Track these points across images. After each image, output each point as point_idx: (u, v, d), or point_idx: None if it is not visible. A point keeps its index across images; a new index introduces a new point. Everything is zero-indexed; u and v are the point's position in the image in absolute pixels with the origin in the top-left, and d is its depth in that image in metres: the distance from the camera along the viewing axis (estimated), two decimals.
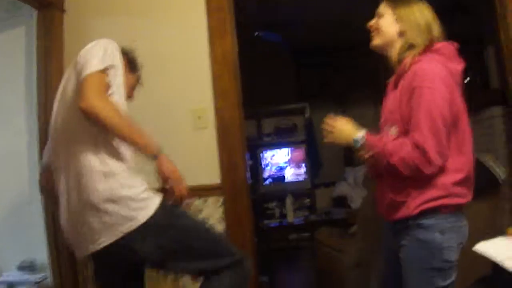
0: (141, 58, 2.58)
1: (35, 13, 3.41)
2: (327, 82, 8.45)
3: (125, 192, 2.14)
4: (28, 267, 3.28)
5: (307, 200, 7.82)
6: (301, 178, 8.07)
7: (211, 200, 3.38)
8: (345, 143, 2.29)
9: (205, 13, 3.46)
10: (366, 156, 2.21)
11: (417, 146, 2.02)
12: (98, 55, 2.12)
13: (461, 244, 2.14)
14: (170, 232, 2.21)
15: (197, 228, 2.36)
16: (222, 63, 3.41)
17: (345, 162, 8.53)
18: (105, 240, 2.14)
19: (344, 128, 2.29)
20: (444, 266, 2.10)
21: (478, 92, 5.51)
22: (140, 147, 2.18)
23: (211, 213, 3.38)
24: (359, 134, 2.23)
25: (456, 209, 2.14)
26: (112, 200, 2.12)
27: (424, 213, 2.11)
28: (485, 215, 3.05)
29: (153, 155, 2.22)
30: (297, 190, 7.74)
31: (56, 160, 2.30)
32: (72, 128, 2.19)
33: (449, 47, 2.22)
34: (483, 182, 2.79)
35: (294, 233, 7.50)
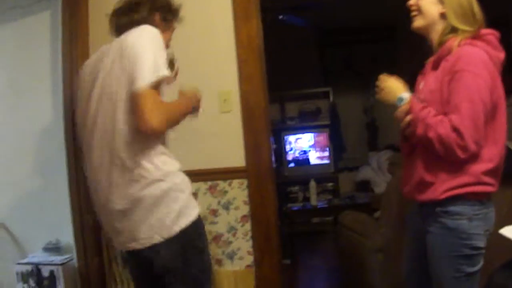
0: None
1: None
2: (351, 62, 8.41)
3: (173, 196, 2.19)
4: (54, 248, 3.30)
5: (331, 184, 7.82)
6: (324, 162, 8.07)
7: (235, 182, 3.41)
8: (392, 101, 2.27)
9: None
10: (406, 119, 2.19)
11: (455, 129, 2.01)
12: (148, 59, 2.08)
13: (488, 231, 2.15)
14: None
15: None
16: (247, 47, 3.42)
17: (369, 147, 8.52)
18: (146, 241, 2.19)
19: (393, 86, 2.28)
20: (472, 253, 2.11)
21: (505, 76, 5.43)
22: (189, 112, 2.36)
23: (236, 196, 3.41)
24: (405, 94, 2.22)
25: (484, 197, 2.15)
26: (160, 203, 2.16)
27: (452, 200, 2.11)
28: (509, 201, 3.02)
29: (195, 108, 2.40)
30: (320, 174, 7.75)
31: (93, 155, 2.29)
32: (121, 130, 2.16)
33: (493, 35, 2.20)
34: (509, 168, 2.78)
35: (317, 217, 7.52)
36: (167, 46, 2.41)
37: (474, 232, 2.10)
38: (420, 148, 2.20)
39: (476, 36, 2.16)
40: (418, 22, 2.28)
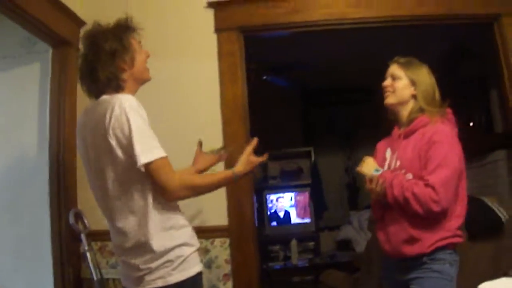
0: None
1: (50, 50, 3.49)
2: (333, 123, 8.50)
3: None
4: None
5: (312, 243, 7.80)
6: (306, 221, 8.07)
7: (218, 241, 3.42)
8: (366, 174, 2.65)
9: (217, 58, 3.56)
10: (378, 187, 2.54)
11: (428, 185, 2.39)
12: (143, 136, 2.16)
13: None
14: None
15: None
16: (232, 107, 3.50)
17: (350, 206, 8.54)
18: None
19: (371, 163, 2.69)
20: None
21: (482, 136, 5.58)
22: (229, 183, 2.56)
23: (218, 254, 3.42)
24: (379, 168, 2.64)
25: (456, 247, 2.54)
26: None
27: (436, 250, 2.46)
28: (488, 255, 3.18)
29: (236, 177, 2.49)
30: (301, 233, 7.72)
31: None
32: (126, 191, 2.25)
33: (452, 114, 2.65)
34: (488, 223, 3.06)
35: (298, 276, 7.47)
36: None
37: (453, 276, 2.48)
38: (400, 210, 2.51)
39: (443, 115, 2.62)
40: (391, 100, 2.72)
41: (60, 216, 3.28)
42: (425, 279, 2.47)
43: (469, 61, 5.49)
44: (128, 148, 2.14)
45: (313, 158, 8.34)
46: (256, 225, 3.58)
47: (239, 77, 3.56)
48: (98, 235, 3.27)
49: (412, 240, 2.49)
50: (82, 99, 3.32)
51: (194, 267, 2.29)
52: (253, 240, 3.46)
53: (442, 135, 2.51)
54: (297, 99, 8.50)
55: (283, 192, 8.13)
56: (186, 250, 2.27)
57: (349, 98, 8.38)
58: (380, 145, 2.90)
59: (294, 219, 8.08)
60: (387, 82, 2.73)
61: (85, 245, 3.11)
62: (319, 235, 8.00)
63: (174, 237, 2.25)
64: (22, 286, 3.34)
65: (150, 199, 2.22)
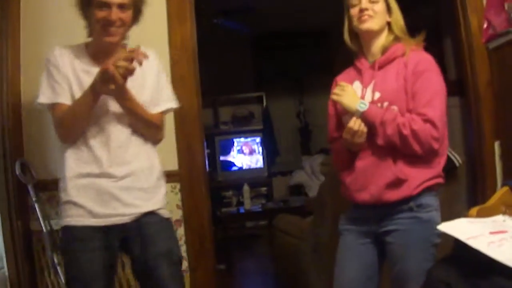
0: None
1: None
2: (285, 68, 8.46)
3: None
4: None
5: (264, 189, 7.86)
6: (258, 166, 8.10)
7: (168, 186, 3.36)
8: (348, 106, 2.29)
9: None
10: (362, 127, 2.23)
11: (428, 121, 2.16)
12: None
13: None
14: None
15: None
16: (180, 49, 3.39)
17: (302, 151, 8.59)
18: None
19: (352, 93, 2.33)
20: (438, 241, 2.25)
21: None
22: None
23: (169, 200, 3.34)
24: (364, 101, 2.28)
25: (438, 188, 2.33)
26: None
27: (422, 193, 2.24)
28: (443, 200, 3.21)
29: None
30: (254, 179, 7.78)
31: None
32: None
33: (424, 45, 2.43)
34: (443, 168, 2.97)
35: (251, 221, 7.54)
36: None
37: (439, 222, 2.21)
38: (385, 150, 2.25)
39: (420, 44, 2.40)
40: (371, 24, 2.34)
41: (6, 167, 3.17)
42: (407, 231, 2.24)
43: (422, 7, 5.49)
44: None
45: (264, 103, 8.33)
46: (208, 171, 3.54)
47: (188, 19, 3.45)
48: (46, 185, 3.16)
49: (397, 182, 2.23)
50: (27, 44, 3.29)
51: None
52: (205, 185, 3.42)
53: (427, 63, 2.30)
54: (248, 43, 8.41)
55: (235, 138, 8.12)
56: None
57: (300, 42, 8.34)
58: (342, 78, 2.52)
59: (246, 164, 8.10)
60: (365, 4, 2.34)
61: (33, 197, 3.04)
62: (272, 180, 8.06)
63: None
64: None
65: None
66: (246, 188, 6.91)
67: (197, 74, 3.45)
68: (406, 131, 2.16)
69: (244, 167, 8.13)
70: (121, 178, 2.31)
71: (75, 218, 2.27)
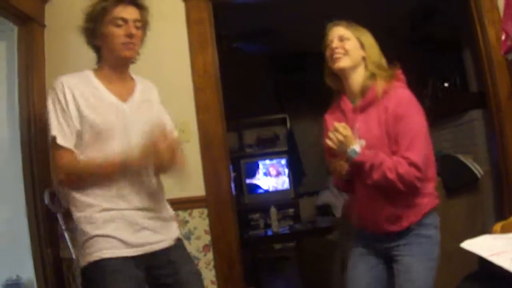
0: None
1: (16, 28, 3.39)
2: (305, 88, 8.46)
3: None
4: (14, 284, 3.22)
5: (291, 210, 7.83)
6: (284, 188, 8.09)
7: (196, 212, 3.40)
8: (340, 152, 2.39)
9: (185, 26, 3.49)
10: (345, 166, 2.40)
11: (412, 164, 2.27)
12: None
13: None
14: None
15: None
16: (203, 76, 3.44)
17: (328, 171, 8.54)
18: None
19: (350, 136, 2.38)
20: (438, 256, 2.42)
21: (457, 96, 5.61)
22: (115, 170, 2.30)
23: (196, 225, 3.39)
24: (357, 146, 2.35)
25: (435, 208, 2.47)
26: None
27: (423, 217, 2.40)
28: (465, 212, 3.24)
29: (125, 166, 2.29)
30: (281, 200, 7.74)
31: None
32: None
33: (402, 74, 2.49)
34: (464, 179, 3.02)
35: (279, 243, 7.50)
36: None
37: (439, 238, 2.44)
38: (376, 190, 2.39)
39: (394, 77, 2.45)
40: (345, 62, 2.46)
41: (35, 196, 3.22)
42: (415, 245, 2.38)
43: (442, 20, 5.49)
44: None
45: (288, 125, 8.33)
46: (235, 194, 3.56)
47: (209, 45, 3.51)
48: None
49: (396, 219, 2.39)
50: (52, 76, 3.31)
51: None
52: (232, 209, 3.44)
53: (405, 104, 2.36)
54: (269, 65, 8.43)
55: (260, 160, 8.12)
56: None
57: (320, 62, 8.34)
58: (329, 117, 2.73)
59: (273, 186, 8.09)
60: (336, 43, 2.48)
61: (62, 225, 3.07)
62: (298, 201, 8.03)
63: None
64: (1, 271, 3.28)
65: None
66: (273, 210, 6.88)
67: (220, 99, 3.49)
68: (391, 175, 2.28)
69: (270, 189, 8.11)
70: (148, 210, 2.34)
71: (109, 251, 2.21)
